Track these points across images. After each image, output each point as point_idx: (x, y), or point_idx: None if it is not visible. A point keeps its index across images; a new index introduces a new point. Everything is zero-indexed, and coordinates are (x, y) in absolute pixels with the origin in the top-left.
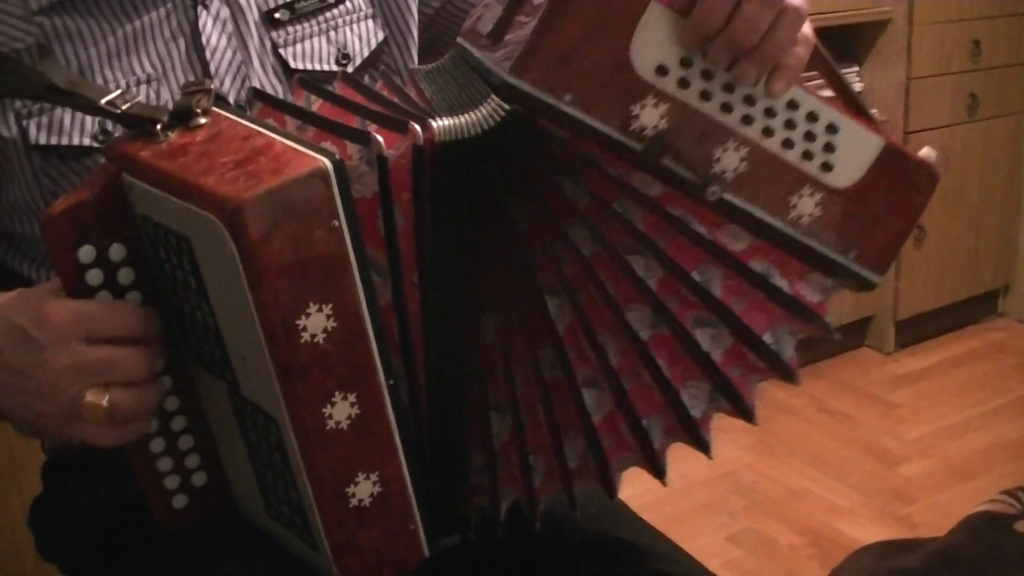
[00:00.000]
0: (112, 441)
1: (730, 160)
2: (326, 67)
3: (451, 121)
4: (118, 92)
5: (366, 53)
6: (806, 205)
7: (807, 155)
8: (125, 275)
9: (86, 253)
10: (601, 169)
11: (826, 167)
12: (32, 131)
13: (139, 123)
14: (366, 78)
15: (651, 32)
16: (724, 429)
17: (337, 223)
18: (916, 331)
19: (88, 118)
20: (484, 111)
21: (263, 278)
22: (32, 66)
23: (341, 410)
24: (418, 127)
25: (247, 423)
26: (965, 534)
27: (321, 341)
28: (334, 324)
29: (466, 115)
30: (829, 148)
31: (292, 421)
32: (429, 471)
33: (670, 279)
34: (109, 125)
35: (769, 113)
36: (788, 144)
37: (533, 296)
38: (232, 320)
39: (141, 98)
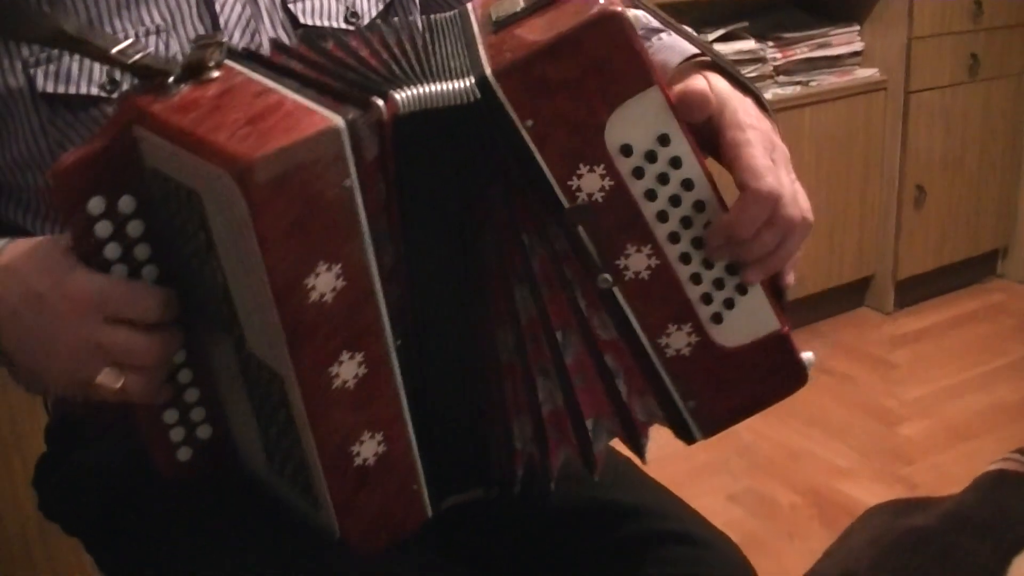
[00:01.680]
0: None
1: (637, 262)
2: (335, 24)
3: (417, 91)
4: (128, 42)
5: (374, 12)
6: (679, 340)
7: (706, 298)
8: (134, 228)
9: (96, 204)
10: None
11: (716, 319)
12: (39, 80)
13: (151, 75)
14: None
15: (637, 111)
16: None
17: (349, 183)
18: (915, 292)
19: (96, 67)
20: (458, 86)
21: (272, 236)
22: (42, 11)
23: (348, 369)
24: (380, 101)
25: (253, 379)
26: (978, 494)
27: (329, 300)
28: (343, 283)
29: (437, 85)
30: (729, 304)
31: (298, 379)
32: (434, 433)
33: (537, 322)
34: (117, 75)
35: (697, 243)
36: (696, 279)
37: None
38: (240, 276)
39: (150, 49)
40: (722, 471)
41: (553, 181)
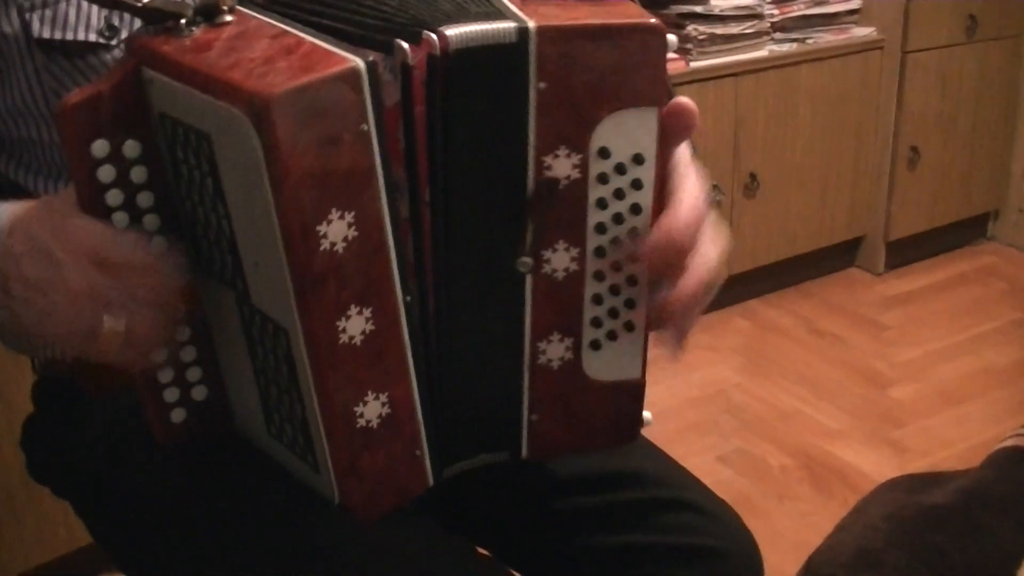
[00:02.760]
0: (123, 366)
1: (559, 261)
2: None
3: (468, 29)
4: None
5: None
6: (555, 351)
7: (596, 322)
8: (138, 173)
9: (100, 147)
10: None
11: (595, 345)
12: (35, 25)
13: (162, 17)
14: None
15: (631, 123)
16: (715, 348)
17: (366, 128)
18: (906, 253)
19: (94, 13)
20: (504, 26)
21: (286, 179)
22: None
23: (355, 324)
24: (434, 35)
25: (255, 335)
26: (994, 471)
27: (340, 250)
28: (355, 233)
29: (482, 24)
30: (612, 336)
31: (304, 332)
32: (438, 396)
33: None
34: (116, 21)
35: (616, 266)
36: (597, 299)
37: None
38: (248, 224)
39: None
40: (712, 431)
41: (532, 150)
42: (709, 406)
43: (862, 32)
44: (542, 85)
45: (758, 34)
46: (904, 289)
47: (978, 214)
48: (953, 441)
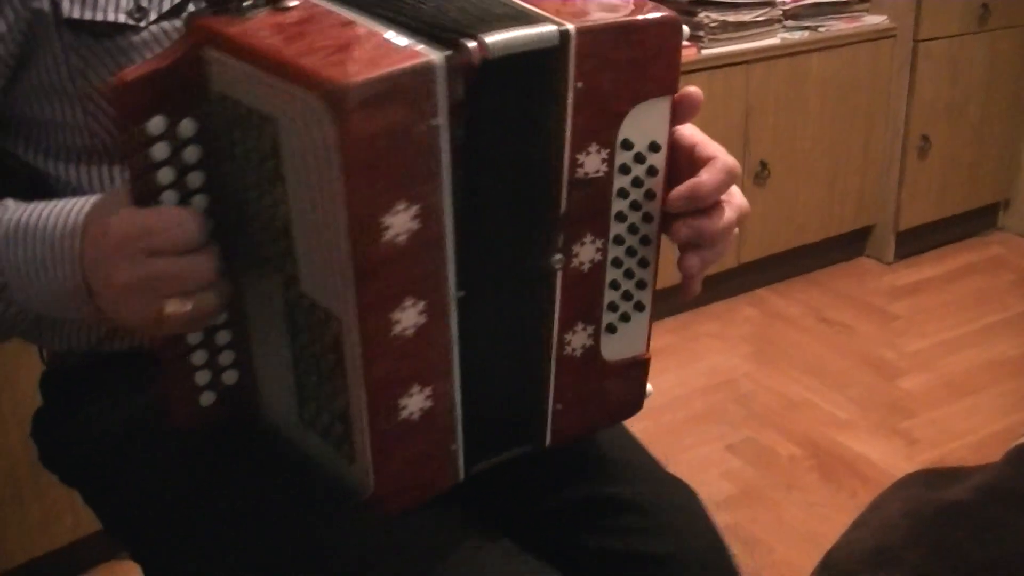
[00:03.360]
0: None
1: (586, 253)
2: None
3: (512, 35)
4: None
5: None
6: (578, 340)
7: (612, 306)
8: (191, 153)
9: (156, 124)
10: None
11: (611, 328)
12: (65, 4)
13: None
14: None
15: (650, 113)
16: (723, 337)
17: (436, 121)
18: (916, 242)
19: None
20: (546, 30)
21: (357, 166)
22: None
23: (409, 316)
24: (474, 42)
25: (299, 321)
26: (1012, 467)
27: (403, 241)
28: (418, 225)
29: (524, 29)
30: (625, 318)
31: (359, 322)
32: (473, 391)
33: None
34: (145, 2)
35: (631, 252)
36: (614, 285)
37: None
38: (308, 209)
39: None
40: (721, 421)
41: (567, 148)
42: (718, 395)
43: (874, 20)
44: (579, 84)
45: (769, 22)
46: (913, 279)
47: (988, 204)
48: (962, 432)
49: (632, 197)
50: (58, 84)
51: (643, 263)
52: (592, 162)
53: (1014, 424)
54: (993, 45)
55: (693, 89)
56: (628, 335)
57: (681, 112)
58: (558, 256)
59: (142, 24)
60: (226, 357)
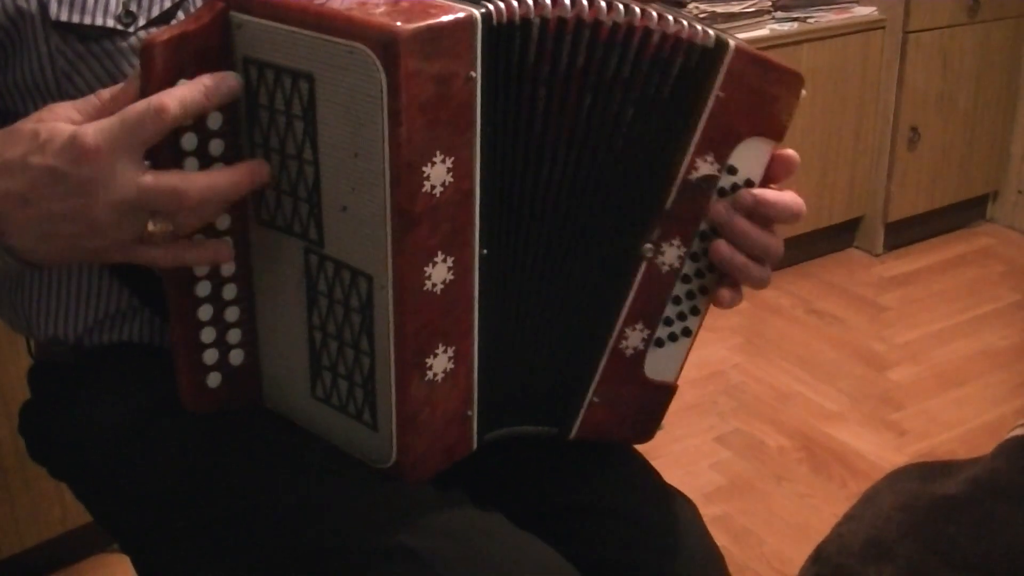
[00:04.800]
0: (170, 264)
1: (670, 255)
2: None
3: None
4: None
5: None
6: (634, 339)
7: (667, 321)
8: (214, 119)
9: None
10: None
11: (659, 343)
12: (53, 7)
13: None
14: None
15: (758, 150)
16: (713, 328)
17: (474, 74)
18: (904, 234)
19: None
20: (708, 31)
21: (405, 115)
22: None
23: (439, 272)
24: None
25: (321, 287)
26: (1005, 460)
27: (438, 194)
28: (451, 179)
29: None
30: (672, 337)
31: (394, 275)
32: (496, 357)
33: None
34: (134, 6)
35: (699, 273)
36: (676, 300)
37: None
38: (342, 165)
39: None
40: (710, 412)
41: (693, 147)
42: (707, 386)
43: (864, 12)
44: (721, 94)
45: (759, 13)
46: (903, 270)
47: (977, 195)
48: (952, 423)
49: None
50: (43, 85)
51: (703, 290)
52: (704, 170)
53: (1004, 415)
54: (984, 36)
55: (793, 153)
56: (669, 356)
57: (778, 170)
58: (649, 246)
59: (131, 29)
60: (234, 335)
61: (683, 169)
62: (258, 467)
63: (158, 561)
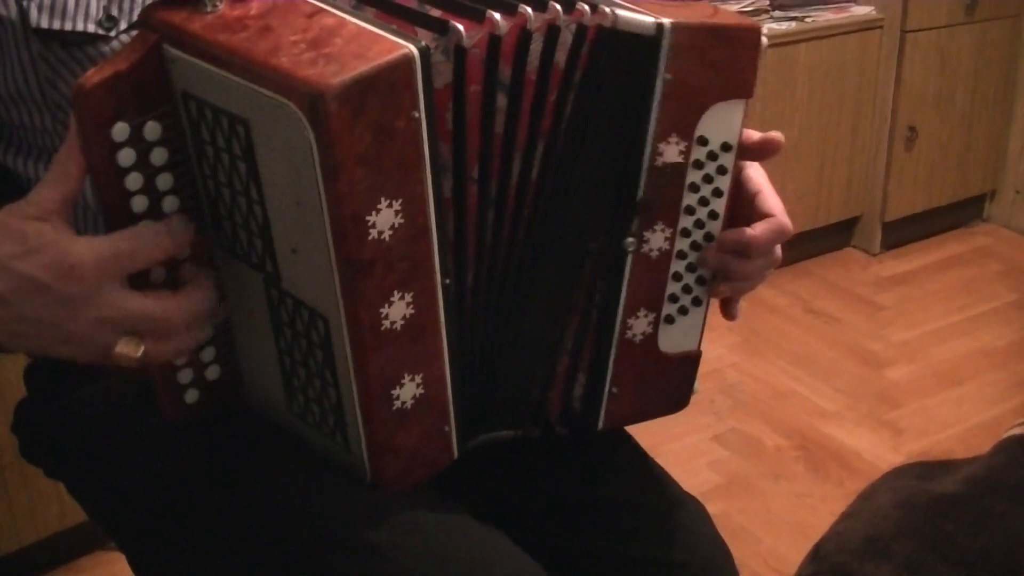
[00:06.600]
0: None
1: (655, 241)
2: None
3: (621, 13)
4: None
5: None
6: (640, 326)
7: (673, 298)
8: (158, 155)
9: (120, 131)
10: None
11: (669, 319)
12: (33, 13)
13: None
14: None
15: (727, 114)
16: (710, 327)
17: (417, 114)
18: (902, 233)
19: (93, 3)
20: (644, 19)
21: (340, 170)
22: None
23: (397, 310)
24: (497, 15)
25: (284, 318)
26: (1004, 459)
27: (387, 238)
28: (401, 220)
29: (629, 13)
30: (683, 311)
31: (348, 320)
32: (468, 373)
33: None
34: (115, 11)
35: (695, 246)
36: (677, 277)
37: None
38: (287, 211)
39: None
40: (707, 411)
41: (650, 136)
42: (704, 385)
43: (861, 11)
44: (668, 76)
45: (757, 12)
46: (900, 269)
47: (975, 195)
48: (950, 422)
49: (701, 193)
50: (26, 91)
51: (704, 261)
52: (671, 152)
53: (1001, 414)
54: (981, 35)
55: (778, 134)
56: (684, 328)
57: (761, 152)
58: (631, 239)
59: (112, 34)
60: (208, 353)
61: (646, 158)
62: (243, 467)
63: (153, 559)
